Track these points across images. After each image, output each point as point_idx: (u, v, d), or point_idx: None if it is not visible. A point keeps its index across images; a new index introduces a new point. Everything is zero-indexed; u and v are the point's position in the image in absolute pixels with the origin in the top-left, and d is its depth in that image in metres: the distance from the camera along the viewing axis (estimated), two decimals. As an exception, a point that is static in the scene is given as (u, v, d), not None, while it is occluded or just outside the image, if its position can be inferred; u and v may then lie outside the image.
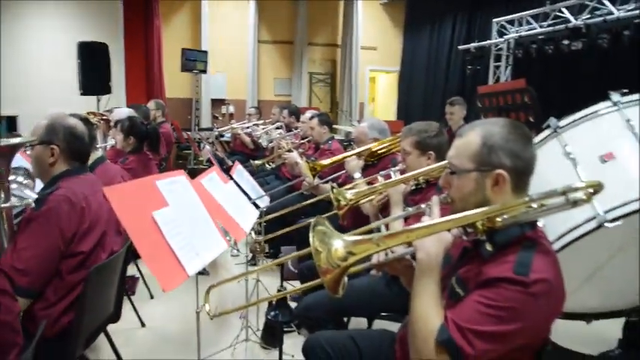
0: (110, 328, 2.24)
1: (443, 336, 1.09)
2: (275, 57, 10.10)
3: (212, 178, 2.31)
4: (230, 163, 4.69)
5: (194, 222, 1.71)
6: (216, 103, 9.51)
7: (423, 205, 1.36)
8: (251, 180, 3.21)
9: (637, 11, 4.87)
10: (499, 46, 7.11)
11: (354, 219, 2.54)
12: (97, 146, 2.94)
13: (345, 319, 2.45)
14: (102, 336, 2.20)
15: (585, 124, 1.80)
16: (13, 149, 1.79)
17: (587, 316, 2.16)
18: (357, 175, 2.77)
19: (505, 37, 6.92)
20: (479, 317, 1.08)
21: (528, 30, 6.50)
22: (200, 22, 9.14)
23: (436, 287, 1.18)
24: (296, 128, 5.28)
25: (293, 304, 2.77)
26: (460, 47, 7.96)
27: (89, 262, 1.84)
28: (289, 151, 4.15)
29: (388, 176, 2.29)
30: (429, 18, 9.54)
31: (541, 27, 6.23)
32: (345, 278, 1.16)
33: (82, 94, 6.00)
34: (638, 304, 2.13)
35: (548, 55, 5.88)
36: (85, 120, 2.47)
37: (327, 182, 3.12)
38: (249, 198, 2.92)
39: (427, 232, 1.17)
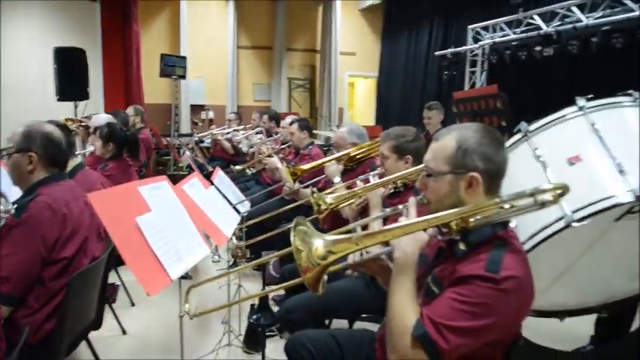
0: (91, 335, 2.24)
1: (418, 331, 1.14)
2: (254, 62, 10.12)
3: (193, 184, 2.33)
4: (210, 168, 4.71)
5: (177, 227, 1.74)
6: (196, 108, 9.48)
7: (400, 206, 1.41)
8: (232, 185, 3.23)
9: (604, 19, 5.05)
10: (474, 52, 7.28)
11: (334, 223, 2.58)
12: (76, 153, 2.93)
13: (327, 322, 2.48)
14: (83, 343, 2.20)
15: (554, 128, 1.87)
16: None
17: (560, 314, 2.22)
18: (337, 179, 2.81)
19: (480, 43, 7.08)
20: (453, 313, 1.13)
21: (502, 36, 6.67)
22: (179, 28, 9.11)
23: (412, 285, 1.23)
24: (276, 133, 5.31)
25: (276, 309, 2.79)
26: (437, 53, 8.13)
27: (71, 269, 1.84)
28: (269, 156, 4.18)
29: (367, 180, 2.34)
30: (407, 24, 9.69)
31: (514, 33, 6.40)
32: (325, 277, 1.21)
33: (58, 100, 5.92)
34: (607, 301, 2.21)
35: (521, 61, 6.05)
36: (62, 126, 2.47)
37: (307, 187, 3.16)
38: (230, 203, 2.94)
39: (404, 231, 1.22)
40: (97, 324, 2.20)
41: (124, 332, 2.99)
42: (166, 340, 2.89)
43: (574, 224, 1.65)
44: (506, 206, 1.19)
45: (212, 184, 2.79)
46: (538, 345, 2.47)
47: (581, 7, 5.42)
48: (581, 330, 2.67)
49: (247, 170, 4.77)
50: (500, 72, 6.75)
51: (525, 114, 2.52)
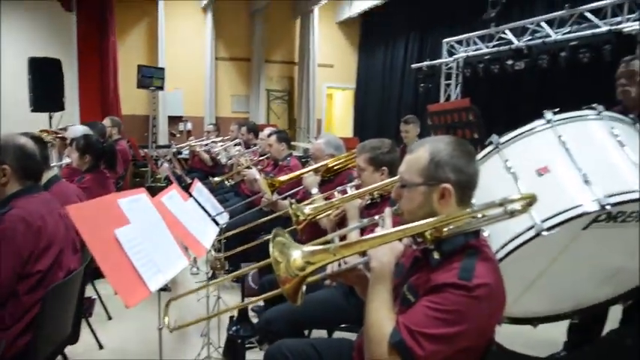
0: (67, 350, 2.21)
1: (395, 338, 1.17)
2: (232, 74, 10.14)
3: (172, 196, 2.33)
4: (189, 180, 4.68)
5: (155, 239, 1.74)
6: (174, 120, 9.43)
7: (376, 217, 1.45)
8: (210, 197, 3.23)
9: (572, 34, 5.24)
10: (449, 65, 7.45)
11: (312, 233, 2.60)
12: (52, 165, 2.90)
13: (306, 332, 2.50)
14: (59, 358, 2.16)
15: (523, 140, 1.94)
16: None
17: (533, 320, 2.28)
18: (315, 190, 2.84)
19: (454, 56, 7.26)
20: (427, 321, 1.16)
21: (475, 50, 6.85)
22: (157, 39, 9.09)
23: (389, 294, 1.26)
24: (255, 145, 5.32)
25: (255, 320, 2.80)
26: (413, 66, 8.29)
27: (46, 282, 1.82)
28: (248, 167, 4.19)
29: (344, 191, 2.38)
30: (383, 37, 9.86)
31: (487, 47, 6.59)
32: (304, 287, 1.23)
33: (33, 111, 5.83)
34: (578, 307, 2.28)
35: (494, 74, 6.22)
36: (36, 138, 2.45)
37: (285, 198, 3.18)
38: (209, 215, 2.94)
39: (380, 241, 1.26)
40: (73, 338, 2.17)
41: (101, 347, 2.94)
42: (144, 354, 2.86)
43: (544, 233, 1.71)
44: (478, 216, 1.24)
45: (190, 195, 2.79)
46: (513, 351, 2.53)
47: (550, 23, 5.62)
48: (555, 336, 2.75)
49: (226, 182, 4.77)
50: (474, 85, 6.93)
51: (498, 126, 2.61)
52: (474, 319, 1.16)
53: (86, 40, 8.03)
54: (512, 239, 1.78)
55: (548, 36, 5.58)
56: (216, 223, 2.89)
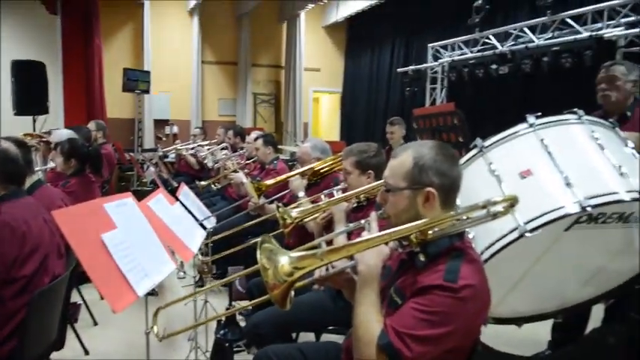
0: (53, 356, 2.18)
1: (383, 340, 1.19)
2: (219, 78, 10.12)
3: (159, 200, 2.32)
4: (175, 184, 4.66)
5: (142, 244, 1.73)
6: (160, 123, 9.38)
7: (362, 221, 1.46)
8: (197, 201, 3.22)
9: (554, 40, 5.34)
10: (434, 70, 7.53)
11: (299, 237, 2.62)
12: (36, 169, 2.87)
13: (294, 335, 2.50)
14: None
15: (506, 143, 1.98)
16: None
17: (518, 320, 2.31)
18: (301, 194, 2.85)
19: (440, 61, 7.33)
20: (414, 322, 1.18)
21: (460, 55, 6.93)
22: (143, 42, 9.03)
23: (376, 296, 1.28)
24: (242, 149, 5.31)
25: (243, 323, 2.79)
26: (399, 70, 8.36)
27: (32, 287, 1.81)
28: (235, 171, 4.18)
29: (331, 195, 2.39)
30: (370, 42, 9.93)
31: (472, 52, 6.67)
32: (292, 292, 1.24)
33: (16, 115, 5.76)
34: (562, 307, 2.32)
35: (478, 78, 6.30)
36: (19, 142, 2.43)
37: (272, 202, 3.19)
38: (196, 219, 2.93)
39: (366, 245, 1.27)
40: (58, 344, 2.15)
41: (87, 352, 2.91)
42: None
43: (527, 234, 1.75)
44: (462, 218, 1.27)
45: (177, 199, 2.79)
46: (499, 351, 2.56)
47: (533, 29, 5.72)
48: (540, 335, 2.79)
49: (213, 185, 4.76)
50: (459, 89, 7.01)
51: (482, 129, 2.65)
52: (460, 319, 1.18)
53: (71, 43, 7.94)
54: (497, 241, 1.81)
55: (531, 41, 5.67)
56: (204, 227, 2.89)
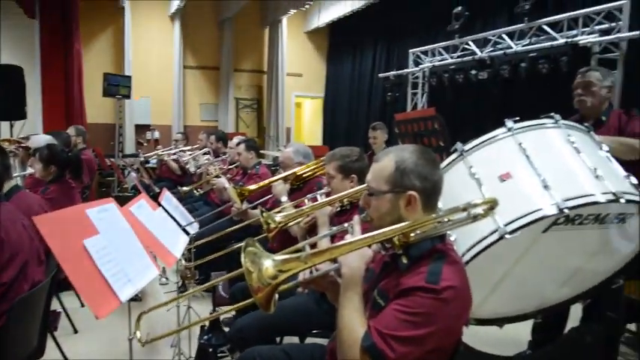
0: (32, 364, 2.14)
1: (366, 342, 1.20)
2: (201, 82, 10.07)
3: (141, 205, 2.30)
4: (157, 189, 4.63)
5: (125, 249, 1.72)
6: (141, 128, 9.28)
7: (346, 224, 1.48)
8: (180, 206, 3.20)
9: (531, 46, 5.46)
10: (415, 75, 7.61)
11: (283, 241, 2.62)
12: (15, 175, 2.82)
13: (278, 339, 2.50)
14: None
15: (486, 147, 2.03)
16: None
17: (499, 321, 2.35)
18: (284, 198, 2.86)
19: (420, 66, 7.42)
20: (397, 324, 1.20)
21: (441, 60, 7.02)
22: (123, 47, 8.95)
23: (359, 299, 1.29)
24: (224, 154, 5.30)
25: (227, 330, 2.78)
26: (380, 75, 8.43)
27: (11, 294, 1.79)
28: (217, 176, 4.17)
29: (315, 199, 2.41)
30: (351, 47, 9.99)
31: (452, 58, 6.76)
32: (276, 295, 1.25)
33: (-8, 120, 5.66)
34: (541, 307, 2.36)
35: (458, 84, 6.39)
36: (-4, 148, 2.39)
37: (255, 207, 3.19)
38: (179, 224, 2.92)
39: (350, 248, 1.29)
40: (38, 352, 2.11)
41: (67, 361, 2.86)
42: (112, 368, 2.80)
43: (507, 236, 1.78)
44: (444, 220, 1.29)
45: (159, 205, 2.77)
46: (480, 351, 2.60)
47: (511, 35, 5.84)
48: (521, 335, 2.84)
49: (195, 191, 4.73)
50: (439, 93, 7.10)
51: (463, 134, 2.69)
52: (443, 320, 1.20)
53: (50, 47, 7.76)
54: (478, 242, 1.84)
55: (509, 47, 5.78)
56: (187, 233, 2.87)
